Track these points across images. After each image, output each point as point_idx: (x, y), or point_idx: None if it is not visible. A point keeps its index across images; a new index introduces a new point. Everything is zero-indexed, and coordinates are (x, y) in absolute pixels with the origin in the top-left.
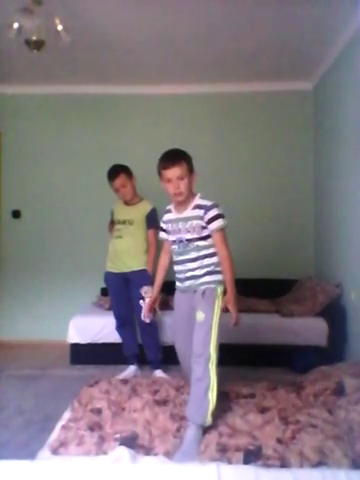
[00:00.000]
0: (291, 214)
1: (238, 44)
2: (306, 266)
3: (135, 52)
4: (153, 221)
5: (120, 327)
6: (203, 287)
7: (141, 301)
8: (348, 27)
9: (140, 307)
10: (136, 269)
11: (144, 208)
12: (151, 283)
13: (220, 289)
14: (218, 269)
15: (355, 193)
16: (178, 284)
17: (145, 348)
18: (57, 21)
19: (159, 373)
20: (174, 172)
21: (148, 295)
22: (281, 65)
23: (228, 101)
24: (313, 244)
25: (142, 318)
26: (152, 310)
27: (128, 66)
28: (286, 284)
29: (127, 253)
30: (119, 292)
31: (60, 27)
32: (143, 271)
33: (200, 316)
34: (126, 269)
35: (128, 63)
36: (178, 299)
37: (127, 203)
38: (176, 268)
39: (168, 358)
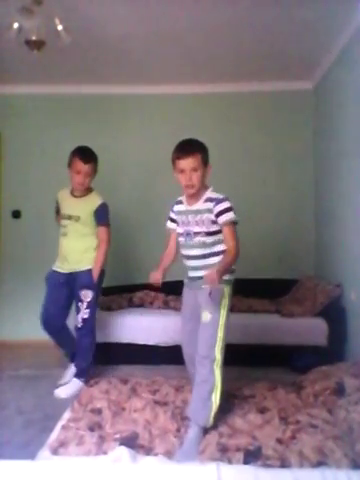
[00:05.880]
0: (291, 214)
1: (238, 44)
2: (306, 266)
3: (135, 52)
4: (103, 217)
5: (53, 333)
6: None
7: (79, 303)
8: (348, 27)
9: (78, 309)
10: (83, 269)
11: (92, 203)
12: (95, 285)
13: (227, 289)
14: None
15: (355, 193)
16: (186, 279)
17: (75, 351)
18: (57, 21)
19: (74, 382)
20: (188, 163)
21: (87, 299)
22: (281, 65)
23: (228, 101)
24: (313, 244)
25: (75, 322)
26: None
27: (128, 66)
28: (286, 284)
29: (73, 252)
30: (56, 294)
31: (60, 27)
32: (88, 271)
33: (206, 317)
34: (72, 269)
35: (128, 63)
36: (185, 294)
37: (74, 194)
38: (183, 262)
39: (165, 359)
